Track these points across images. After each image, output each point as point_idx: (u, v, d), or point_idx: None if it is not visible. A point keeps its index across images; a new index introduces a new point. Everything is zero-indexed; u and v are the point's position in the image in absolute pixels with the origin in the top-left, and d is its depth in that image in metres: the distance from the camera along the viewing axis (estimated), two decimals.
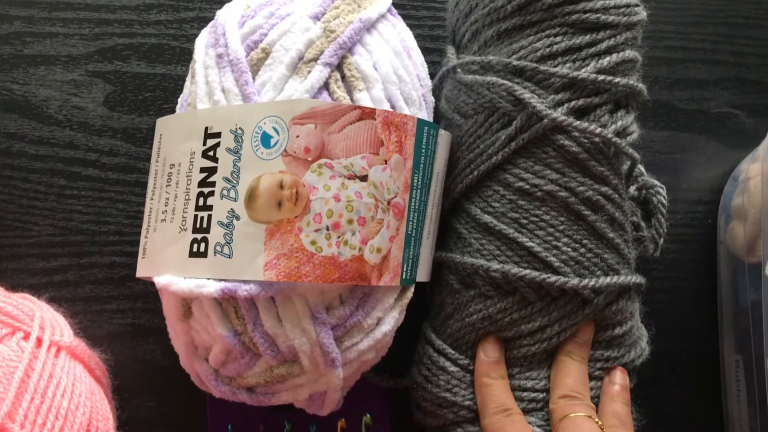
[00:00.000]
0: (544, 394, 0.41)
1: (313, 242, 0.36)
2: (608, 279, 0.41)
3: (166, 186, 0.40)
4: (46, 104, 0.49)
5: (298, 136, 0.37)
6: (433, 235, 0.43)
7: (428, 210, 0.42)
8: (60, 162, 0.49)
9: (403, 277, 0.40)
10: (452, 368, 0.42)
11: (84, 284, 0.48)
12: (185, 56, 0.50)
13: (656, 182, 0.49)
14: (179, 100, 0.44)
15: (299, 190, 0.36)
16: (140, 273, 0.41)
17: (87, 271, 0.48)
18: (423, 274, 0.42)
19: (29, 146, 0.48)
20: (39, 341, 0.36)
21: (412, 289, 0.41)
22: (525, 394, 0.40)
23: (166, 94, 0.50)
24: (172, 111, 0.44)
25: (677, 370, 0.52)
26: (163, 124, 0.42)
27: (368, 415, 0.48)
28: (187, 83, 0.43)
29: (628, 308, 0.43)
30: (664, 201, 0.48)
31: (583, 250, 0.41)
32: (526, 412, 0.40)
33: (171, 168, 0.40)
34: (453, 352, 0.42)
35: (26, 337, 0.36)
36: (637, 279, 0.43)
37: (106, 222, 0.49)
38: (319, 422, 0.47)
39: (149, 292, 0.48)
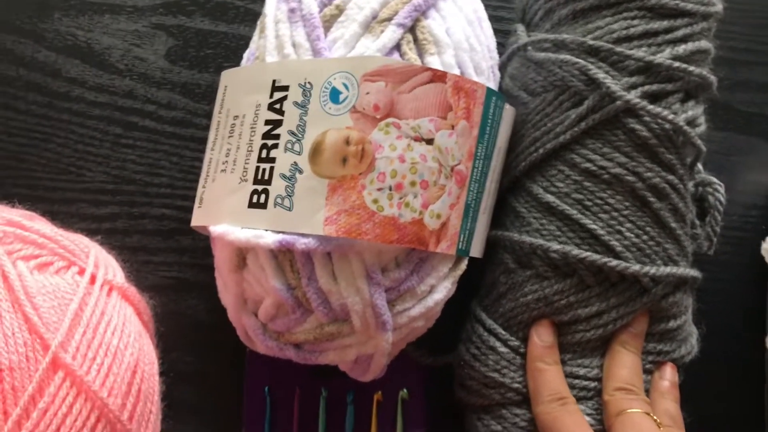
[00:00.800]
0: (596, 383, 0.40)
1: (375, 201, 0.36)
2: (668, 269, 0.40)
3: (229, 137, 0.40)
4: (109, 52, 0.49)
5: (368, 93, 0.36)
6: (490, 211, 0.43)
7: (487, 184, 0.41)
8: (117, 111, 0.49)
9: (459, 247, 0.39)
10: (502, 348, 0.41)
11: (133, 234, 0.48)
12: (249, 16, 0.50)
13: (714, 179, 0.48)
14: (245, 54, 0.43)
15: (365, 147, 0.36)
16: (195, 222, 0.41)
17: (136, 221, 0.48)
18: (476, 250, 0.42)
19: (89, 92, 0.49)
20: (93, 278, 0.36)
21: (466, 262, 0.41)
22: (577, 381, 0.40)
23: (227, 53, 0.50)
24: None
25: (721, 371, 0.51)
26: (228, 76, 0.42)
27: (405, 390, 0.47)
28: (255, 38, 0.42)
29: (683, 302, 0.42)
30: (721, 199, 0.47)
31: (645, 237, 0.40)
32: (577, 399, 0.39)
33: (235, 119, 0.40)
34: (504, 332, 0.42)
35: (81, 272, 0.36)
36: (695, 273, 0.42)
37: (159, 174, 0.49)
38: (356, 392, 0.47)
39: (197, 247, 0.48)
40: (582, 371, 0.40)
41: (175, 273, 0.48)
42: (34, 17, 0.49)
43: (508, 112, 0.42)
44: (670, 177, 0.41)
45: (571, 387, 0.40)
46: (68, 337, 0.33)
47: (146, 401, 0.36)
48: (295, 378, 0.47)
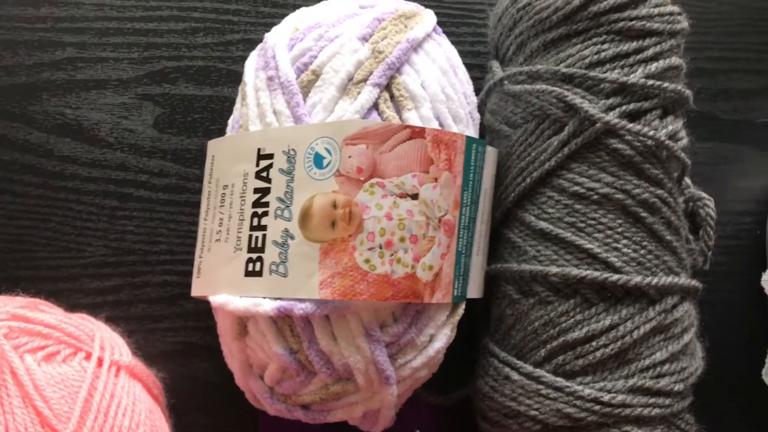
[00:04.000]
0: (620, 410, 0.40)
1: (367, 260, 0.37)
2: (670, 279, 0.41)
3: (220, 206, 0.41)
4: (98, 127, 0.50)
5: (350, 157, 0.37)
6: (483, 252, 0.43)
7: (477, 227, 0.42)
8: (112, 183, 0.50)
9: (455, 294, 0.40)
10: (516, 377, 0.42)
11: (137, 303, 0.49)
12: (231, 78, 0.51)
13: (704, 194, 0.49)
14: (229, 121, 0.44)
15: (352, 209, 0.37)
16: (195, 292, 0.42)
17: (140, 291, 0.49)
18: (474, 291, 0.42)
19: (82, 168, 0.50)
20: (100, 361, 0.37)
21: (463, 306, 0.41)
22: (598, 407, 0.40)
23: (213, 116, 0.51)
24: (220, 132, 0.44)
25: (725, 383, 0.51)
26: (215, 146, 0.43)
27: None
28: (237, 105, 0.43)
29: (691, 313, 0.43)
30: (712, 213, 0.48)
31: (643, 251, 0.41)
32: (598, 426, 0.40)
33: (224, 189, 0.41)
34: (517, 361, 0.42)
35: (88, 357, 0.37)
36: (696, 283, 0.43)
37: (158, 242, 0.50)
38: None
39: (200, 310, 0.49)
40: (606, 397, 0.40)
41: (182, 338, 0.49)
42: (23, 101, 0.50)
43: (491, 154, 0.43)
44: (659, 191, 0.42)
45: (593, 413, 0.40)
46: (80, 426, 0.34)
47: None
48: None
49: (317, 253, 0.37)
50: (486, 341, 0.45)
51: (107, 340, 0.38)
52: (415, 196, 0.38)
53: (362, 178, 0.37)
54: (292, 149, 0.38)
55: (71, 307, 0.46)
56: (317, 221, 0.37)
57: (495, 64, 0.47)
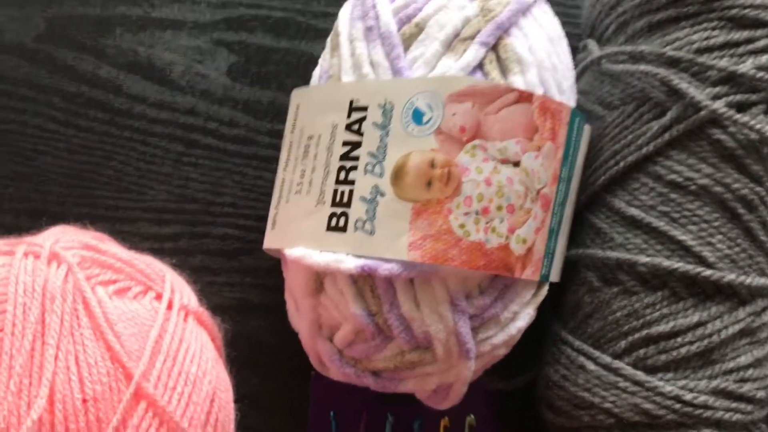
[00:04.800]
0: (701, 411, 0.38)
1: (462, 225, 0.35)
2: (764, 280, 0.39)
3: (303, 158, 0.39)
4: (170, 68, 0.48)
5: (454, 114, 0.35)
6: (567, 234, 0.41)
7: (567, 206, 0.40)
8: (179, 128, 0.48)
9: (543, 272, 0.38)
10: (592, 367, 0.40)
11: (196, 254, 0.47)
12: (311, 32, 0.49)
13: None
14: (315, 73, 0.42)
15: (452, 170, 0.35)
16: (269, 244, 0.40)
17: (199, 241, 0.47)
18: (555, 275, 0.40)
19: (150, 109, 0.48)
20: (170, 303, 0.35)
21: (547, 288, 0.39)
22: (679, 406, 0.38)
23: (288, 69, 0.49)
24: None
25: None
26: (300, 94, 0.41)
27: (472, 416, 0.46)
28: (326, 56, 0.41)
29: None
30: None
31: (737, 249, 0.39)
32: (677, 426, 0.38)
33: (309, 140, 0.39)
34: (594, 350, 0.40)
35: (158, 297, 0.35)
36: None
37: (222, 193, 0.48)
38: (422, 418, 0.46)
39: (260, 267, 0.47)
40: (688, 396, 0.38)
41: (238, 294, 0.47)
42: (95, 33, 0.48)
43: (586, 131, 0.41)
44: (758, 189, 0.40)
45: (673, 411, 0.38)
46: (150, 366, 0.32)
47: (223, 430, 0.35)
48: (361, 402, 0.45)
49: (409, 213, 0.35)
50: (557, 328, 0.43)
51: (177, 284, 0.36)
52: (516, 164, 0.36)
53: (465, 139, 0.35)
54: (389, 102, 0.36)
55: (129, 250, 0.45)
56: (412, 179, 0.35)
57: (591, 43, 0.45)
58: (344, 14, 0.40)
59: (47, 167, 0.46)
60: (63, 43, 0.47)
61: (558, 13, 0.50)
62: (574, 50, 0.46)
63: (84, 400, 0.30)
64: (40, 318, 0.31)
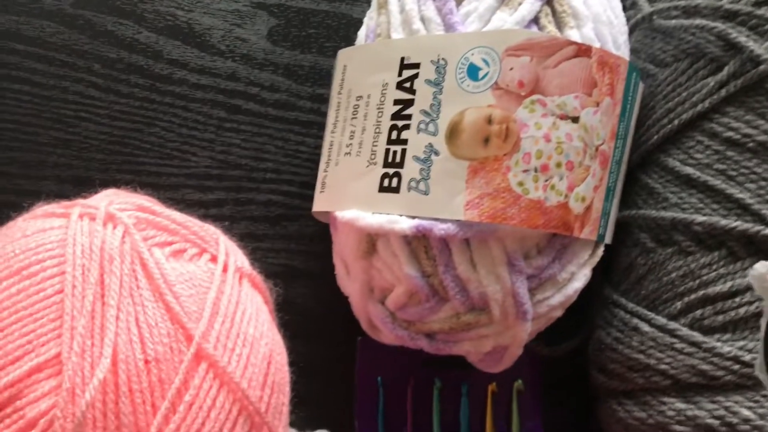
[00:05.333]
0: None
1: (521, 183, 0.34)
2: None
3: (352, 118, 0.38)
4: (209, 33, 0.47)
5: (512, 69, 0.34)
6: (619, 194, 0.41)
7: (623, 167, 0.39)
8: (221, 93, 0.47)
9: (600, 232, 0.37)
10: (647, 328, 0.39)
11: (240, 220, 0.47)
12: None
13: None
14: (360, 33, 0.42)
15: (510, 126, 0.34)
16: (318, 207, 0.40)
17: (243, 207, 0.47)
18: (608, 236, 0.39)
19: (191, 75, 0.47)
20: (225, 266, 0.34)
21: (603, 248, 0.39)
22: (738, 367, 0.37)
23: (329, 32, 0.48)
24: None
25: None
26: (347, 54, 0.40)
27: (519, 381, 0.46)
28: (372, 15, 0.41)
29: None
30: None
31: None
32: (736, 387, 0.37)
33: (358, 100, 0.38)
34: (648, 312, 0.40)
35: (213, 259, 0.34)
36: None
37: (264, 159, 0.47)
38: (470, 383, 0.45)
39: (304, 233, 0.47)
40: (747, 357, 0.37)
41: (283, 260, 0.47)
42: None
43: (640, 88, 0.40)
44: None
45: (732, 372, 0.37)
46: (209, 327, 0.31)
47: (279, 393, 0.34)
48: (408, 368, 0.45)
49: (465, 172, 0.34)
50: (608, 291, 0.43)
51: (230, 247, 0.36)
52: (575, 120, 0.35)
53: (523, 93, 0.34)
54: (443, 59, 0.35)
55: None
56: (468, 137, 0.34)
57: None
58: None
59: (89, 134, 0.46)
60: (102, 8, 0.47)
61: None
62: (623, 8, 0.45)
63: (146, 361, 0.29)
64: (99, 279, 0.30)
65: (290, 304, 0.46)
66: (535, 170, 0.34)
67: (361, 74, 0.38)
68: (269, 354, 0.34)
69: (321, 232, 0.44)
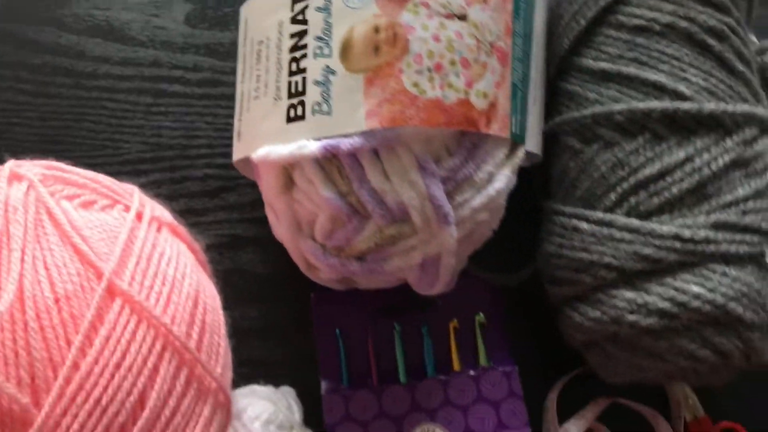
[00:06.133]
0: (703, 247, 0.36)
1: (416, 84, 0.34)
2: (747, 107, 0.37)
3: (256, 64, 0.39)
4: (129, 26, 0.49)
5: None
6: (540, 104, 0.40)
7: (532, 70, 0.39)
8: (145, 81, 0.48)
9: (512, 130, 0.37)
10: (585, 226, 0.38)
11: (178, 198, 0.47)
12: None
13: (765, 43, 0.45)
14: None
15: (396, 31, 0.34)
16: (236, 155, 0.40)
17: (180, 185, 0.47)
18: (533, 143, 0.39)
19: (114, 68, 0.48)
20: (139, 215, 0.34)
21: (524, 150, 0.38)
22: (680, 244, 0.36)
23: None
24: None
25: None
26: (247, 8, 0.41)
27: (481, 314, 0.45)
28: None
29: None
30: None
31: (713, 80, 0.38)
32: (681, 265, 0.36)
33: (259, 45, 0.39)
34: (585, 210, 0.39)
35: (126, 209, 0.35)
36: None
37: (196, 136, 0.48)
38: (430, 323, 0.44)
39: (244, 202, 0.47)
40: (687, 233, 0.36)
41: (226, 230, 0.47)
42: (52, 5, 0.49)
43: None
44: (727, 19, 0.38)
45: (675, 251, 0.36)
46: (121, 266, 0.31)
47: (212, 334, 0.34)
48: (365, 317, 0.44)
49: (361, 84, 0.34)
50: (547, 203, 0.42)
51: (147, 200, 0.36)
52: (463, 17, 0.35)
53: None
54: None
55: None
56: (359, 49, 0.35)
57: None
58: None
59: (22, 137, 0.47)
60: (22, 18, 0.48)
61: None
62: None
63: (56, 300, 0.29)
64: (4, 230, 0.31)
65: (241, 272, 0.46)
66: (429, 70, 0.34)
67: (259, 21, 0.39)
68: (195, 295, 0.34)
69: (260, 198, 0.44)
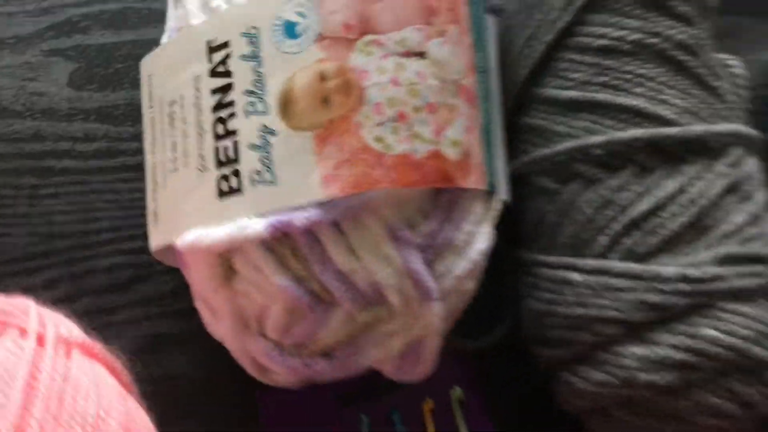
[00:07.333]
0: (714, 284, 0.32)
1: (379, 139, 0.28)
2: (731, 126, 0.34)
3: (170, 129, 0.32)
4: None
5: (333, 12, 0.29)
6: (503, 143, 0.35)
7: (494, 106, 0.34)
8: (26, 158, 0.40)
9: (489, 179, 0.31)
10: (577, 277, 0.33)
11: (81, 297, 0.39)
12: (154, 17, 0.42)
13: (730, 56, 0.43)
14: (162, 39, 0.36)
15: (348, 77, 0.28)
16: (155, 243, 0.32)
17: (82, 281, 0.39)
18: (502, 189, 0.34)
19: None
20: (41, 338, 0.27)
21: (499, 201, 0.33)
22: (688, 287, 0.32)
23: (139, 63, 0.42)
24: None
25: None
26: (150, 62, 0.34)
27: (457, 389, 0.39)
28: (170, 14, 0.35)
29: (759, 168, 0.36)
30: (744, 74, 0.41)
31: (693, 100, 0.34)
32: (691, 308, 0.32)
33: (172, 106, 0.32)
34: (574, 259, 0.34)
35: (23, 333, 0.27)
36: (756, 132, 0.36)
37: (96, 219, 0.40)
38: (401, 409, 0.38)
39: (164, 292, 0.39)
40: (695, 272, 0.32)
41: (145, 330, 0.39)
42: None
43: (491, 22, 0.35)
44: (694, 31, 0.35)
45: (683, 294, 0.32)
46: (24, 417, 0.23)
47: None
48: (323, 413, 0.38)
49: (311, 143, 0.28)
50: (525, 254, 0.37)
51: (48, 316, 0.28)
52: (422, 55, 0.29)
53: (353, 37, 0.29)
54: (253, 27, 0.30)
55: None
56: (304, 103, 0.28)
57: None
58: None
59: None
60: None
61: None
62: None
63: None
64: None
65: (169, 378, 0.38)
66: (393, 120, 0.28)
67: (169, 77, 0.32)
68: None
69: (183, 284, 0.37)
